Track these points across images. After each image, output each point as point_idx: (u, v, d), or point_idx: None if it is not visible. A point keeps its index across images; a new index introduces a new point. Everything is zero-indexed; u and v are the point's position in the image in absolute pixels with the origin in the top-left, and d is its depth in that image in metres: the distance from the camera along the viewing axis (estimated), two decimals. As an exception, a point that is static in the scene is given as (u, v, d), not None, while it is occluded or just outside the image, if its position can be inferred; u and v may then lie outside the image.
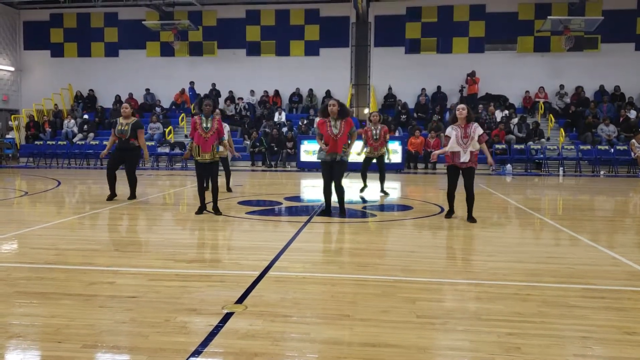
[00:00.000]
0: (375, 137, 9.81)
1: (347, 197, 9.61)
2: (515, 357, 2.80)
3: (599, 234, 6.59)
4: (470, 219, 7.01)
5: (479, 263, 4.89)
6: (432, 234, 6.37)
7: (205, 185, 7.89)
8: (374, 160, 10.10)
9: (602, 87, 20.41)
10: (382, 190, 10.13)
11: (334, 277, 4.35)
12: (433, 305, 3.65)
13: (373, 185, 10.58)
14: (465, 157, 6.80)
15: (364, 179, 10.19)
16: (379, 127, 9.87)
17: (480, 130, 6.87)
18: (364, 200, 9.49)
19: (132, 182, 9.06)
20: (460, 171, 6.96)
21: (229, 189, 10.30)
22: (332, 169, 7.23)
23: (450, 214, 7.28)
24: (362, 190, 10.16)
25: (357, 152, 9.83)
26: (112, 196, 9.00)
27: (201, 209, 7.56)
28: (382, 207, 8.85)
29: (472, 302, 3.69)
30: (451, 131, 6.91)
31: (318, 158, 7.38)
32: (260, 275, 4.32)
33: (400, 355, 2.83)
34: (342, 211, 7.38)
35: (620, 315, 3.47)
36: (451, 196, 7.19)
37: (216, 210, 7.48)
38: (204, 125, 7.27)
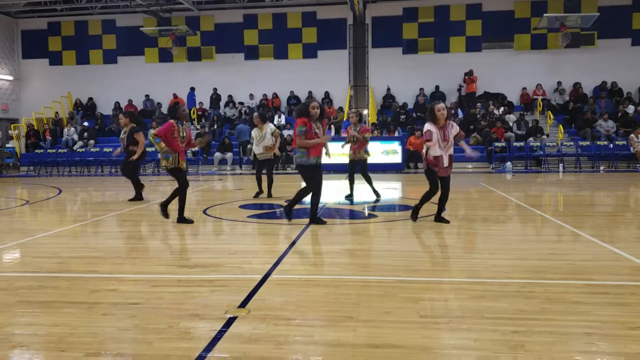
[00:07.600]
0: (353, 140, 9.32)
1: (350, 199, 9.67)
2: (520, 354, 2.80)
3: (600, 230, 6.58)
4: (441, 219, 6.91)
5: (481, 261, 4.89)
6: (433, 233, 6.36)
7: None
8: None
9: (599, 83, 20.42)
10: (375, 193, 9.57)
11: (337, 278, 4.35)
12: (436, 304, 3.64)
13: (365, 191, 10.09)
14: (446, 162, 6.56)
15: (351, 183, 9.64)
16: (358, 128, 9.34)
17: (456, 129, 6.64)
18: (375, 200, 9.45)
19: (135, 185, 9.90)
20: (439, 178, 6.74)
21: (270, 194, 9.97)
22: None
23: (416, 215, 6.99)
24: (347, 197, 9.61)
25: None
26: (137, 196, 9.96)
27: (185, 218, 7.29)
28: (384, 208, 8.85)
29: (475, 301, 3.69)
30: (433, 127, 6.51)
31: (302, 162, 6.73)
32: (262, 278, 4.32)
33: (404, 355, 2.82)
34: (315, 219, 6.98)
35: (623, 310, 3.47)
36: (431, 197, 6.83)
37: (184, 220, 7.26)
38: (182, 134, 7.02)
